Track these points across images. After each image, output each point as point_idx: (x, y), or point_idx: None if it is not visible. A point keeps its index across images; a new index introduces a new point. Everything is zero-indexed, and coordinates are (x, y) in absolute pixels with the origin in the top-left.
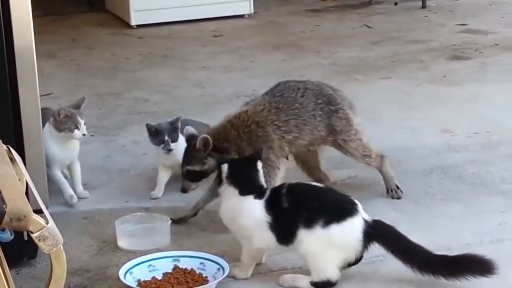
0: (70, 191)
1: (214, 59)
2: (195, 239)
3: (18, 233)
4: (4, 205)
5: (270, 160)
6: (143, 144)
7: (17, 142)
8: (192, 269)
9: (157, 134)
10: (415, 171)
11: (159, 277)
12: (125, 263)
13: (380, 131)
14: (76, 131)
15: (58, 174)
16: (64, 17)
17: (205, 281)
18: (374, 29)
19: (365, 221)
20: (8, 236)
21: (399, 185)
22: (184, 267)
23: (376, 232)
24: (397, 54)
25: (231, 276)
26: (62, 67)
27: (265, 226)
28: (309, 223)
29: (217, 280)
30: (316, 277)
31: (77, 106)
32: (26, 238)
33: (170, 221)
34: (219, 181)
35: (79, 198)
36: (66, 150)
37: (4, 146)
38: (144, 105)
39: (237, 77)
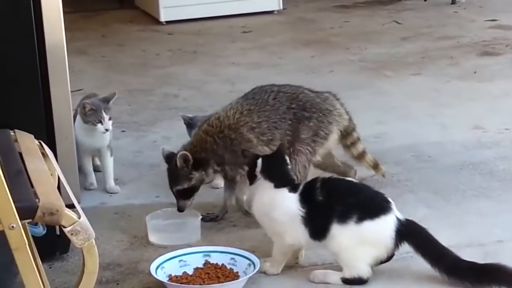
0: (92, 179)
1: (243, 55)
2: (225, 234)
3: (50, 228)
4: (37, 200)
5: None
6: (174, 140)
7: (49, 137)
8: (223, 264)
9: (192, 126)
10: (445, 168)
11: (190, 272)
12: (156, 258)
13: (410, 127)
14: (99, 125)
15: (86, 161)
16: (94, 14)
17: (236, 276)
18: (404, 25)
19: (398, 220)
20: (40, 230)
21: None
22: (215, 262)
23: (408, 232)
24: (427, 50)
25: (261, 272)
26: (93, 64)
27: (298, 220)
28: (343, 218)
29: (248, 276)
30: (348, 274)
31: (107, 100)
32: (58, 232)
33: (200, 217)
34: (251, 177)
35: (109, 193)
36: (93, 139)
37: (36, 142)
38: (174, 101)
39: (266, 74)
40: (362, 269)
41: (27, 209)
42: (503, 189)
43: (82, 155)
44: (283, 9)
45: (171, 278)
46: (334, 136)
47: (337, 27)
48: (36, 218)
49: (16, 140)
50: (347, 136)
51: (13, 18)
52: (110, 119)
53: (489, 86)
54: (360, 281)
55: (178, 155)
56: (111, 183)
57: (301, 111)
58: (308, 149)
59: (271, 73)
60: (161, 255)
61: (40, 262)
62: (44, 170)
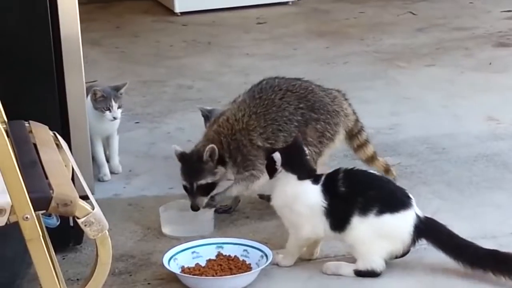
0: (106, 170)
1: (257, 46)
2: (238, 226)
3: (64, 219)
4: (51, 191)
5: (256, 167)
6: (188, 131)
7: (63, 128)
8: (235, 256)
9: (209, 119)
10: (459, 159)
11: (203, 263)
12: (169, 249)
13: (424, 119)
14: (107, 112)
15: (99, 149)
16: (109, 5)
17: (248, 268)
18: (419, 16)
19: (418, 217)
20: (54, 221)
21: None
22: (227, 254)
23: (427, 229)
24: (441, 41)
25: (274, 263)
26: (107, 55)
27: (320, 211)
28: (364, 210)
29: (261, 267)
30: (362, 266)
31: (117, 89)
32: (72, 223)
33: (214, 208)
34: (271, 171)
35: (111, 172)
36: (102, 125)
37: (51, 133)
38: (188, 92)
39: (281, 65)
40: (376, 262)
41: (41, 200)
42: None
43: (94, 141)
44: (298, 0)
45: (183, 270)
46: (340, 137)
47: (352, 18)
48: (50, 209)
49: (30, 131)
50: (354, 138)
51: (28, 9)
52: (119, 107)
53: (504, 77)
54: (373, 273)
55: (207, 148)
56: (115, 161)
57: (309, 112)
58: (314, 151)
59: (285, 64)
60: (174, 246)
61: (54, 253)
62: (58, 161)
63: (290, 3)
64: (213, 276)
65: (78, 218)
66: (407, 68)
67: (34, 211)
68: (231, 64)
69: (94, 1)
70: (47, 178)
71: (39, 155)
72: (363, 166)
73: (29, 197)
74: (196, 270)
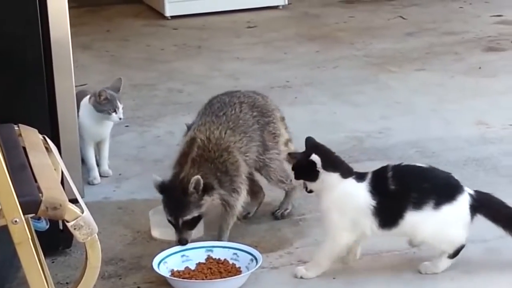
0: (96, 174)
1: (248, 50)
2: (231, 231)
3: (53, 222)
4: (40, 194)
5: (237, 187)
6: (178, 135)
7: (52, 132)
8: (225, 259)
9: None
10: (449, 163)
11: (193, 267)
12: (158, 253)
13: (414, 123)
14: (113, 114)
15: (90, 154)
16: (99, 9)
17: (238, 271)
18: (409, 20)
19: (470, 195)
20: (43, 225)
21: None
22: (217, 257)
23: (480, 204)
24: (431, 45)
25: (297, 277)
26: (97, 58)
27: (368, 210)
28: (419, 205)
29: (250, 271)
30: (450, 249)
31: (116, 89)
32: (61, 227)
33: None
34: (312, 175)
35: (102, 176)
36: (100, 128)
37: (40, 136)
38: (178, 96)
39: (271, 69)
40: (458, 238)
41: (30, 204)
42: (507, 185)
43: (86, 145)
44: (288, 4)
45: (173, 273)
46: (283, 130)
47: (342, 22)
48: (39, 212)
49: (20, 135)
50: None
51: (18, 12)
52: (123, 107)
53: (494, 82)
54: (463, 246)
55: (193, 180)
56: (105, 166)
57: (262, 117)
58: (276, 152)
59: (276, 68)
60: (163, 250)
61: (43, 257)
62: (48, 164)
63: (281, 7)
64: (203, 279)
65: (68, 222)
66: (397, 72)
67: (23, 214)
68: (221, 68)
69: (84, 5)
70: (36, 181)
71: (28, 158)
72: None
73: (18, 201)
74: (186, 274)
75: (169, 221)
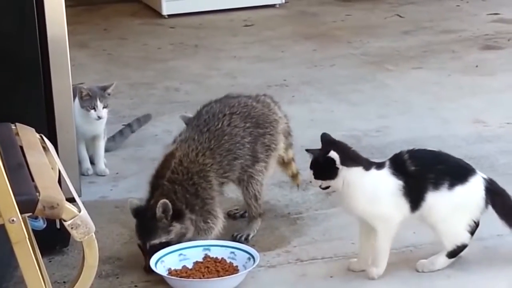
0: (88, 165)
1: (245, 49)
2: (225, 229)
3: (50, 222)
4: (37, 193)
5: (212, 210)
6: (175, 133)
7: (50, 131)
8: (222, 258)
9: None
10: None
11: (190, 266)
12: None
13: (411, 121)
14: (92, 111)
15: (80, 147)
16: (96, 7)
17: (235, 270)
18: (406, 18)
19: (484, 179)
20: (41, 224)
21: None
22: (214, 256)
23: (495, 191)
24: (429, 44)
25: (370, 278)
26: (94, 57)
27: (400, 193)
28: (437, 185)
29: (248, 270)
30: (450, 246)
31: (104, 89)
32: (58, 226)
33: None
34: (331, 173)
35: (98, 175)
36: (88, 125)
37: (37, 135)
38: (175, 95)
39: (268, 67)
40: (461, 235)
41: (28, 203)
42: (504, 183)
43: (78, 140)
44: (285, 2)
45: (170, 272)
46: (281, 145)
47: (339, 20)
48: (36, 211)
49: (17, 134)
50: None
51: (15, 11)
52: (105, 107)
53: (491, 80)
54: (463, 247)
55: (159, 204)
56: (101, 165)
57: (256, 129)
58: (264, 166)
59: (273, 67)
60: None
61: (40, 256)
62: (45, 163)
63: (278, 5)
64: (200, 278)
65: (65, 221)
66: (394, 71)
67: (21, 213)
68: (218, 66)
69: (81, 3)
70: (33, 180)
71: (25, 157)
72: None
73: (15, 200)
74: (183, 273)
75: (138, 246)
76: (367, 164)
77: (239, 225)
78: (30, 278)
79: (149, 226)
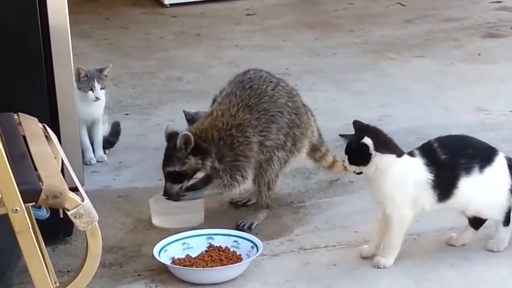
0: (91, 154)
1: (247, 38)
2: (229, 217)
3: (54, 211)
4: (41, 183)
5: (243, 169)
6: (178, 122)
7: (52, 120)
8: (226, 247)
9: (193, 122)
10: None
11: (193, 255)
12: (159, 241)
13: (414, 110)
14: (90, 92)
15: (83, 135)
16: None
17: (239, 259)
18: (408, 7)
19: (505, 157)
20: (44, 213)
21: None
22: (218, 245)
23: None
24: (431, 32)
25: (377, 267)
26: (96, 47)
27: (427, 184)
28: (469, 170)
29: (251, 258)
30: (500, 216)
31: (101, 70)
32: (62, 215)
33: (203, 199)
34: (365, 158)
35: (98, 161)
36: (87, 107)
37: (40, 125)
38: (178, 84)
39: (270, 56)
40: (504, 202)
41: (31, 192)
42: None
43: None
44: None
45: (174, 261)
46: (304, 151)
47: (341, 9)
48: (39, 201)
49: (20, 124)
50: (316, 151)
51: (17, 1)
52: (103, 88)
53: (493, 68)
54: (509, 209)
55: (180, 135)
56: (99, 151)
57: (294, 115)
58: (284, 158)
59: (275, 55)
60: (164, 238)
61: (44, 245)
62: (48, 153)
63: None
64: (203, 267)
65: (68, 210)
66: (397, 60)
67: (24, 203)
68: (220, 56)
69: None
70: (36, 170)
71: (28, 147)
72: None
73: (19, 190)
74: (187, 261)
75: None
76: (400, 152)
77: (242, 214)
78: (33, 267)
79: (169, 153)
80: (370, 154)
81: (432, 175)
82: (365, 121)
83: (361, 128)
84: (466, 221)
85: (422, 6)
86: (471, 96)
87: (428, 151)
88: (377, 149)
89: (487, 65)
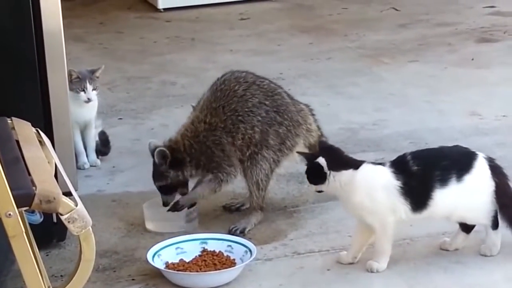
0: (84, 159)
1: (241, 42)
2: (222, 222)
3: (47, 215)
4: (34, 188)
5: (222, 169)
6: (172, 127)
7: (46, 125)
8: (220, 251)
9: None
10: None
11: (187, 259)
12: (153, 245)
13: (408, 114)
14: (82, 93)
15: (77, 138)
16: (92, 1)
17: (232, 263)
18: (402, 12)
19: (486, 159)
20: (37, 218)
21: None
22: (212, 249)
23: (498, 170)
24: (425, 37)
25: (370, 272)
26: (90, 51)
27: (396, 191)
28: (445, 181)
29: (245, 263)
30: (486, 220)
31: (93, 71)
32: (55, 220)
33: (195, 204)
34: (321, 177)
35: (91, 166)
36: (79, 108)
37: (34, 129)
38: (172, 89)
39: (265, 61)
40: (488, 206)
41: (24, 197)
42: None
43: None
44: None
45: (168, 266)
46: (299, 149)
47: (336, 14)
48: (33, 205)
49: (13, 128)
50: None
51: (11, 5)
52: (94, 89)
53: (487, 73)
54: (496, 211)
55: (156, 151)
56: (92, 156)
57: (274, 113)
58: (273, 157)
59: (269, 60)
60: (158, 242)
61: (37, 250)
62: (41, 157)
63: None
64: (197, 271)
65: (62, 215)
66: (391, 64)
67: (17, 207)
68: (215, 60)
69: None
70: (30, 175)
71: (21, 152)
72: None
73: (12, 194)
74: (181, 266)
75: None
76: (357, 164)
77: (236, 219)
78: (27, 272)
79: (155, 169)
80: (325, 173)
81: (400, 182)
82: (358, 125)
83: (322, 149)
84: (457, 226)
85: (416, 11)
86: (465, 100)
87: (399, 162)
88: (331, 168)
89: (480, 69)
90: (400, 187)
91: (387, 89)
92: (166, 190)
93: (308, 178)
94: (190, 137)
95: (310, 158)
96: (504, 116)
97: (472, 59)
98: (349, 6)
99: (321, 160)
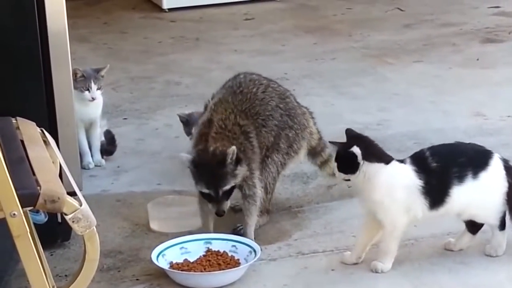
0: (89, 158)
1: (245, 42)
2: (227, 222)
3: (52, 215)
4: (38, 187)
5: (254, 172)
6: (176, 127)
7: (50, 125)
8: (224, 251)
9: (189, 124)
10: None
11: (191, 259)
12: (157, 245)
13: (412, 114)
14: (86, 92)
15: (81, 138)
16: (97, 1)
17: (237, 263)
18: (407, 12)
19: (501, 159)
20: (42, 218)
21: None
22: (216, 249)
23: (509, 166)
24: (429, 37)
25: (375, 272)
26: (95, 51)
27: (417, 191)
28: (462, 178)
29: (249, 263)
30: (495, 220)
31: (98, 71)
32: (60, 220)
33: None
34: (353, 167)
35: (96, 165)
36: (83, 107)
37: (38, 129)
38: (176, 89)
39: (269, 61)
40: (498, 206)
41: (29, 197)
42: None
43: (78, 129)
44: None
45: (172, 265)
46: (303, 152)
47: (340, 14)
48: (37, 205)
49: (18, 128)
50: (317, 156)
51: (15, 4)
52: (99, 89)
53: (491, 73)
54: (505, 212)
55: (229, 151)
56: (97, 155)
57: (286, 117)
58: (281, 161)
59: (274, 60)
60: (162, 242)
61: (42, 250)
62: (46, 157)
63: None
64: (201, 271)
65: (66, 215)
66: (395, 64)
67: (22, 207)
68: (219, 60)
69: None
70: (34, 174)
71: (26, 151)
72: None
73: (17, 194)
74: (185, 266)
75: (207, 195)
76: (388, 159)
77: (240, 219)
78: (31, 271)
79: (219, 173)
80: (358, 163)
81: (422, 181)
82: (362, 125)
83: (352, 137)
84: (464, 226)
85: (421, 11)
86: (470, 101)
87: (419, 159)
88: (365, 158)
89: (485, 70)
90: (422, 186)
91: (391, 89)
92: (230, 193)
93: (338, 166)
94: (233, 138)
95: (343, 147)
96: (508, 116)
97: (477, 59)
98: (354, 6)
99: (356, 150)
